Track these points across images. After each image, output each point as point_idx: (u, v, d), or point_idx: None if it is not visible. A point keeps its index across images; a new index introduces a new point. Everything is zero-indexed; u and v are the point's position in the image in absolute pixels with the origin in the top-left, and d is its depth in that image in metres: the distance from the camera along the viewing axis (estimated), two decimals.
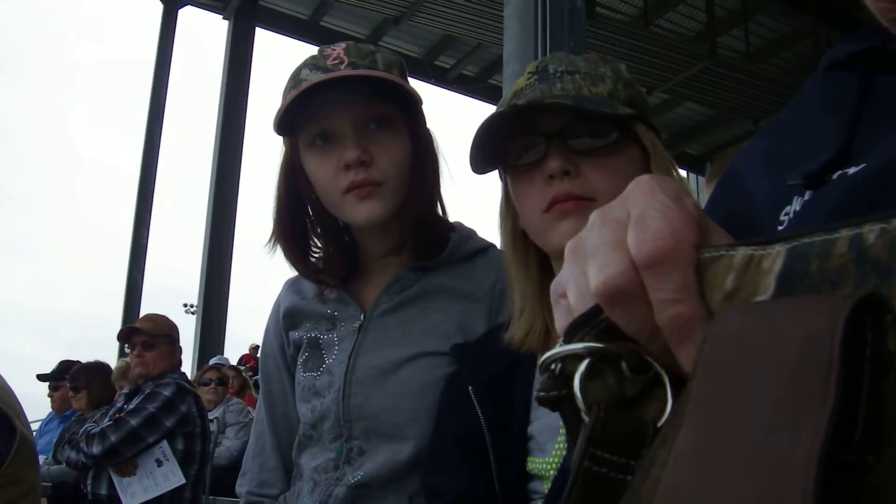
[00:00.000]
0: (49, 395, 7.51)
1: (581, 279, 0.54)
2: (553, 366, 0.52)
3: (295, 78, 1.65)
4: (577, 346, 0.51)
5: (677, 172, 1.40)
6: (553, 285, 0.59)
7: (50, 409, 7.70)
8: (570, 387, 0.51)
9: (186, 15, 13.75)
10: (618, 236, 0.52)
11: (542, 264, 1.44)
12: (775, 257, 0.45)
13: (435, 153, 1.75)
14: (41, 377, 7.50)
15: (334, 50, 1.66)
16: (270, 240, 1.75)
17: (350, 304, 1.76)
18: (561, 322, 0.57)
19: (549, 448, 1.34)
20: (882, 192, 0.57)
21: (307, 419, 1.73)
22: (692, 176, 17.57)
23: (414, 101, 1.68)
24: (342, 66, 1.61)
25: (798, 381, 0.36)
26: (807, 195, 0.64)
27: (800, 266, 0.43)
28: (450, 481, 1.42)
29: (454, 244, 1.75)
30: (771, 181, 0.71)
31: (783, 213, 0.67)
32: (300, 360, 1.79)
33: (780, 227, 0.66)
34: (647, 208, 0.52)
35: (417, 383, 1.61)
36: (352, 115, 1.62)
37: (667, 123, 15.54)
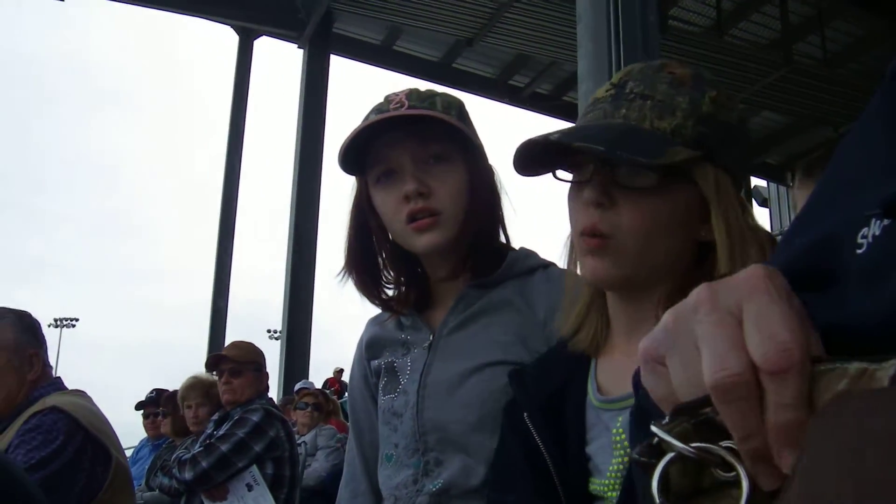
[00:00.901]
0: (143, 423, 7.68)
1: (692, 364, 0.56)
2: (654, 439, 0.56)
3: (364, 121, 1.78)
4: (679, 444, 0.54)
5: (747, 216, 1.32)
6: (647, 346, 0.61)
7: (142, 437, 7.86)
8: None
9: (262, 45, 13.99)
10: (734, 333, 0.53)
11: None
12: (888, 369, 0.46)
13: (494, 187, 1.87)
14: (138, 405, 7.67)
15: (397, 95, 1.79)
16: (341, 272, 1.89)
17: (422, 329, 1.87)
18: (654, 388, 0.60)
19: (604, 469, 1.33)
20: None
21: (389, 439, 1.82)
22: (772, 185, 17.33)
23: (469, 140, 1.80)
24: (402, 109, 1.74)
25: None
26: (886, 221, 0.64)
27: None
28: (514, 497, 1.43)
29: (510, 261, 1.84)
30: (842, 207, 0.70)
31: (860, 235, 0.66)
32: (380, 386, 1.90)
33: (858, 251, 0.65)
34: (767, 311, 0.54)
35: (483, 392, 1.68)
36: (411, 153, 1.75)
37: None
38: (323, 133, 12.92)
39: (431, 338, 1.83)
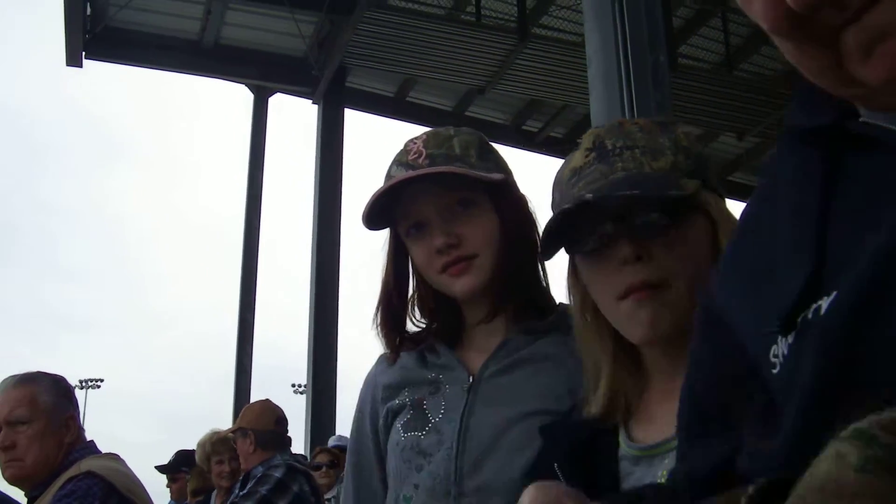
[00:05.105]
0: (168, 486, 7.65)
1: None
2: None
3: (387, 175, 1.80)
4: None
5: None
6: None
7: (168, 499, 7.83)
8: None
9: (276, 101, 14.08)
10: None
11: (617, 334, 1.40)
12: None
13: (529, 220, 1.86)
14: (160, 468, 7.65)
15: (415, 143, 1.80)
16: (374, 325, 1.90)
17: (456, 368, 1.82)
18: None
19: None
20: (856, 331, 0.58)
21: (408, 479, 1.76)
22: None
23: (491, 181, 1.79)
24: (421, 160, 1.75)
25: None
26: (790, 337, 0.64)
27: None
28: None
29: (560, 314, 1.79)
30: (751, 310, 0.71)
31: (772, 354, 0.66)
32: (400, 423, 1.83)
33: (773, 371, 0.66)
34: None
35: (531, 440, 1.61)
36: (436, 204, 1.76)
37: (761, 167, 15.31)
38: (340, 186, 12.95)
39: (471, 379, 1.79)
